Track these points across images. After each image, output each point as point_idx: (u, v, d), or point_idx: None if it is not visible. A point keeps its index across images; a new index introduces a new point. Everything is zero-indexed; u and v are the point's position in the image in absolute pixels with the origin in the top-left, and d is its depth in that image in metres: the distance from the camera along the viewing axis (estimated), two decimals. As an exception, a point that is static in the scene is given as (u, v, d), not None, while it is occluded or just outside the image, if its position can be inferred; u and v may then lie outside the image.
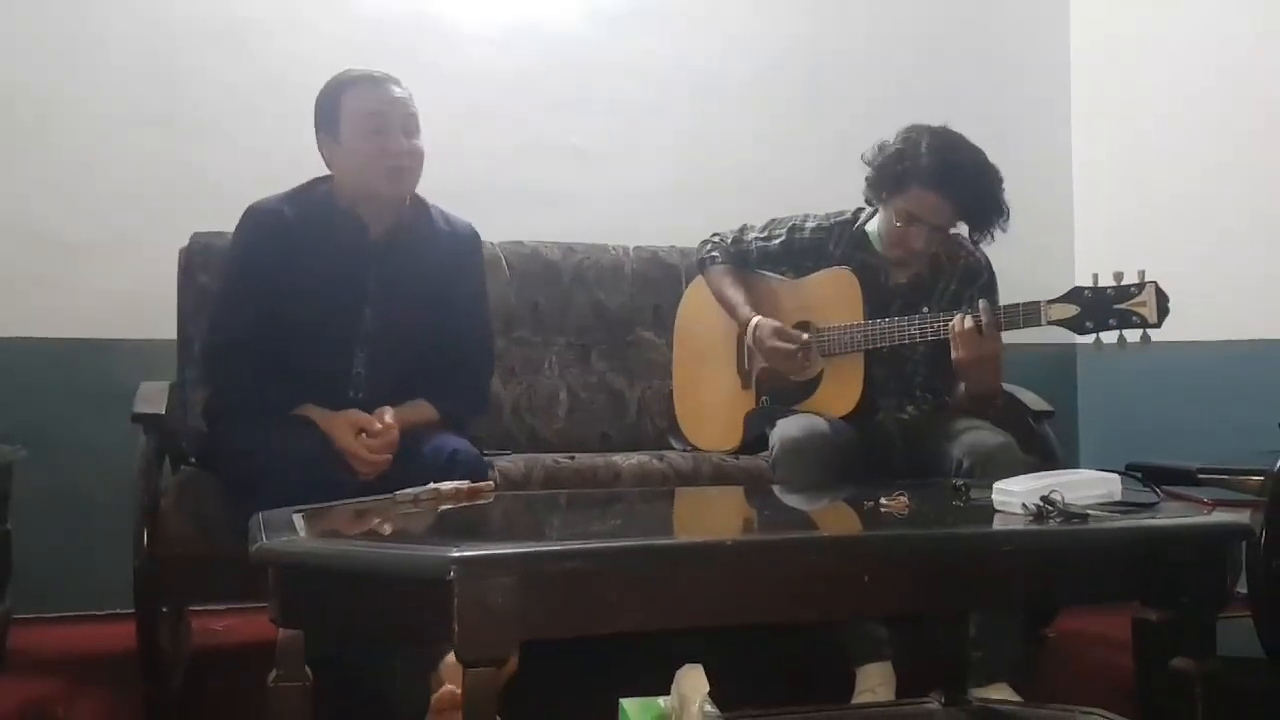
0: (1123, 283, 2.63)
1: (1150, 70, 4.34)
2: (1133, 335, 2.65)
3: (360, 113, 2.75)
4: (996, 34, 4.67)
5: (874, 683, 2.72)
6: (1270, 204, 3.87)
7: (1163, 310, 2.59)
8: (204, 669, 3.12)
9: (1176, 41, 4.23)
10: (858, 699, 2.70)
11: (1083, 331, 2.67)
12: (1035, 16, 4.72)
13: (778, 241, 3.19)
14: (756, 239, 3.23)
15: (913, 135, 2.94)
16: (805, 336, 3.04)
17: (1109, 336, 2.67)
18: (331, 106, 2.78)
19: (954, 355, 2.81)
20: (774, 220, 3.24)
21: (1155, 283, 2.60)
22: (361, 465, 2.60)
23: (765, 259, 3.23)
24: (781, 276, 3.23)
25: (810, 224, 3.16)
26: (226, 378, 2.78)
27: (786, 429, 2.90)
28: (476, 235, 3.03)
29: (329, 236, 2.78)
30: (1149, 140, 4.34)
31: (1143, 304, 2.60)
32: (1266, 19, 3.91)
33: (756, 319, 3.11)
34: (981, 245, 3.05)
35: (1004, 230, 2.98)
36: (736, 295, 3.21)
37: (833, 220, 3.14)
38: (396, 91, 2.80)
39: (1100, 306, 2.64)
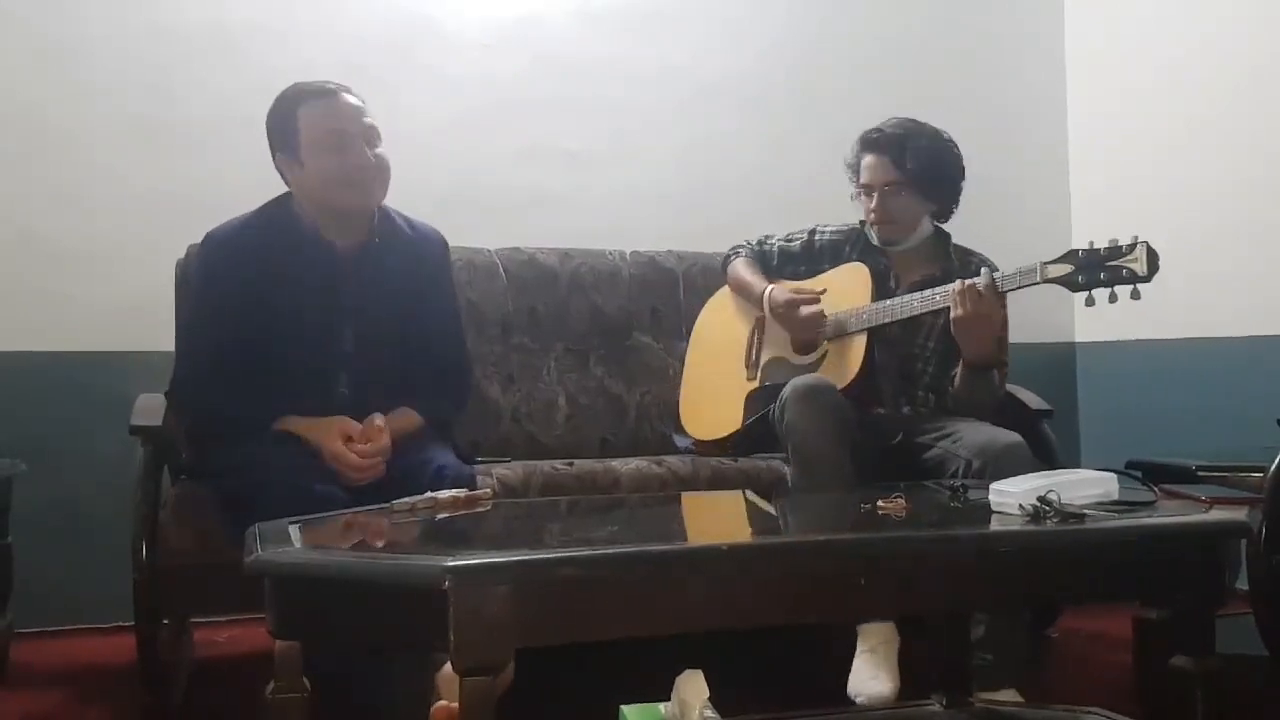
0: (1115, 244, 2.73)
1: (1146, 63, 4.33)
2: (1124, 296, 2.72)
3: (319, 130, 2.69)
4: (992, 28, 4.66)
5: (875, 641, 2.75)
6: (1268, 199, 3.86)
7: (1153, 266, 2.66)
8: (207, 680, 3.12)
9: (1173, 32, 4.22)
10: (859, 656, 2.74)
11: (1077, 288, 2.75)
12: (1031, 7, 4.71)
13: (798, 243, 3.35)
14: (778, 242, 3.39)
15: (892, 118, 3.19)
16: (821, 290, 3.16)
17: (1102, 295, 2.74)
18: (286, 125, 2.71)
19: (953, 315, 2.88)
20: (793, 231, 3.40)
21: (1147, 242, 2.68)
22: (352, 472, 2.55)
23: (785, 260, 3.36)
24: (798, 278, 3.32)
25: (829, 229, 3.32)
26: (201, 409, 2.74)
27: (798, 381, 2.94)
28: (443, 240, 2.98)
29: (297, 260, 2.72)
30: (1145, 137, 4.33)
31: (1134, 260, 2.68)
32: (1264, 7, 3.90)
33: (772, 286, 3.25)
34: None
35: (953, 195, 3.16)
36: (753, 276, 3.34)
37: (849, 227, 3.30)
38: (351, 101, 2.74)
39: (1094, 264, 2.73)
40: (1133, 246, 2.69)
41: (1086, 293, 2.74)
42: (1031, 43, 4.71)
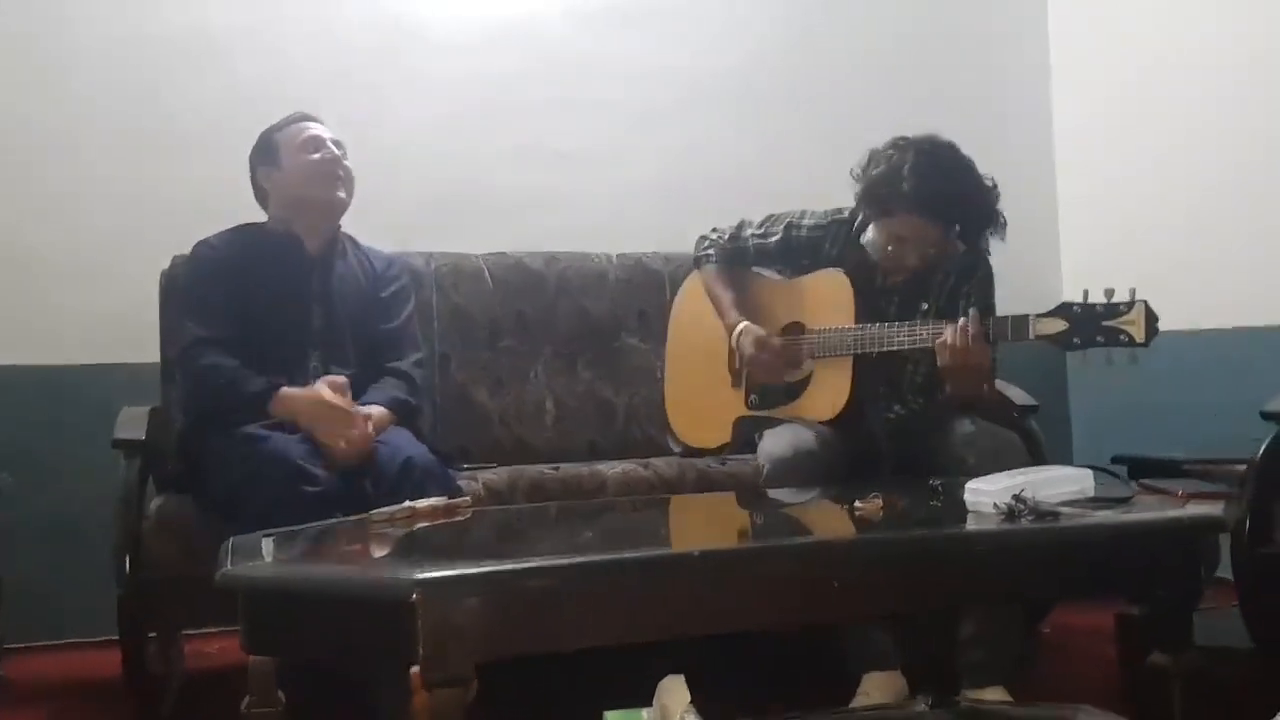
0: (1113, 300, 2.57)
1: (1131, 63, 4.32)
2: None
3: (297, 138, 3.05)
4: (980, 37, 4.62)
5: (873, 689, 2.70)
6: (1255, 191, 3.85)
7: (1151, 330, 2.53)
8: (196, 692, 3.11)
9: (1159, 26, 4.21)
10: (854, 702, 2.69)
11: (1070, 348, 2.65)
12: (1017, 19, 4.70)
13: (774, 240, 3.17)
14: (754, 236, 3.21)
15: (896, 157, 2.88)
16: (778, 341, 3.03)
17: (1096, 351, 2.63)
18: (269, 145, 3.07)
19: (939, 363, 2.78)
20: (771, 216, 3.21)
21: (1145, 302, 2.54)
22: (337, 442, 2.69)
23: (762, 256, 3.22)
24: (777, 274, 3.22)
25: (808, 221, 3.13)
26: (207, 368, 2.86)
27: (773, 448, 2.86)
28: (405, 263, 3.33)
29: (272, 256, 3.03)
30: (1132, 132, 4.31)
31: (1131, 322, 2.55)
32: (1244, 16, 3.90)
33: (742, 325, 3.10)
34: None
35: (1001, 239, 2.95)
36: (727, 296, 3.20)
37: (830, 219, 3.11)
38: (323, 125, 3.11)
39: (1088, 323, 2.60)
40: (1130, 305, 2.54)
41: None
42: (1017, 41, 4.68)
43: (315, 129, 3.05)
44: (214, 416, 2.80)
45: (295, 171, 3.02)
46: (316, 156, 3.01)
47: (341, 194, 3.04)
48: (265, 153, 3.07)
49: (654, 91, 4.29)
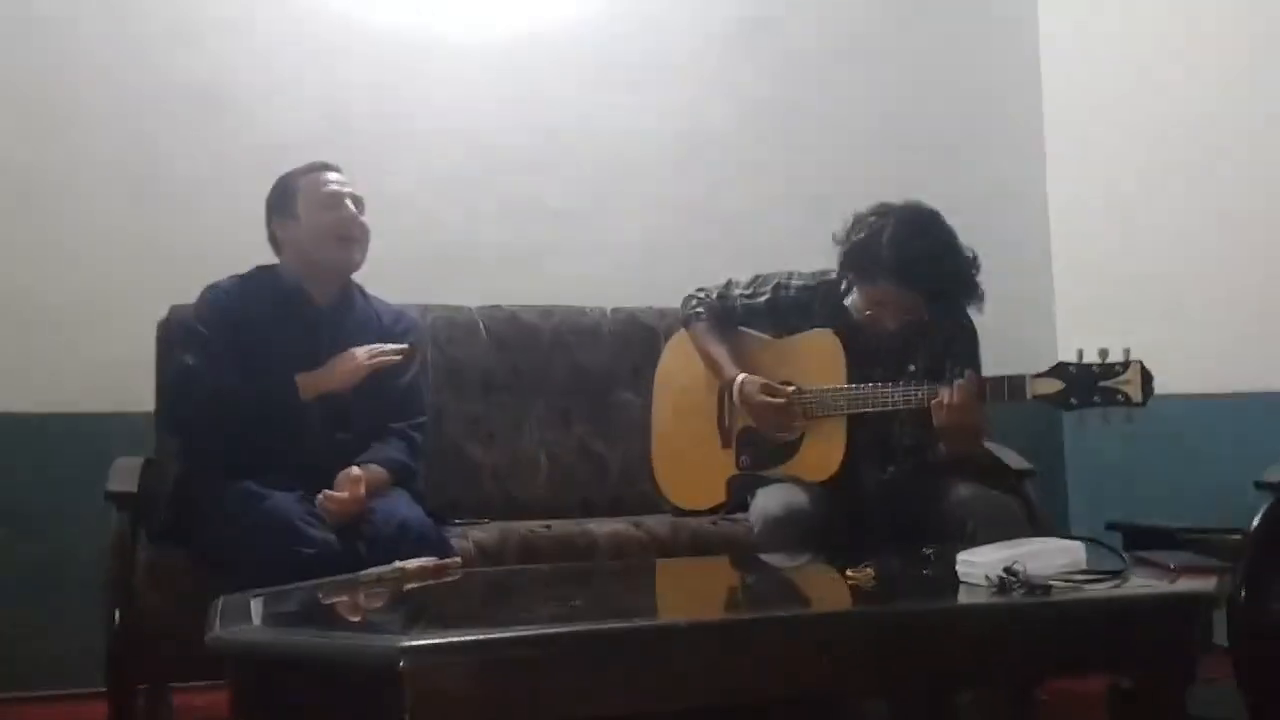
0: (1108, 360, 2.61)
1: (1125, 128, 4.32)
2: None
3: (317, 192, 2.99)
4: (973, 95, 4.64)
5: None
6: (1249, 256, 3.86)
7: (1148, 390, 2.57)
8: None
9: (1153, 93, 4.23)
10: None
11: (1068, 408, 2.66)
12: (1012, 79, 4.73)
13: (763, 300, 3.18)
14: (742, 296, 3.22)
15: (877, 223, 2.90)
16: (791, 389, 3.02)
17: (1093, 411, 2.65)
18: (287, 192, 3.02)
19: (935, 423, 2.79)
20: (759, 277, 3.23)
21: (1140, 362, 2.58)
22: (333, 505, 2.69)
23: (750, 316, 3.22)
24: (765, 334, 3.22)
25: (796, 282, 3.15)
26: (218, 390, 2.86)
27: (768, 506, 2.86)
28: (416, 320, 3.26)
29: (280, 307, 2.99)
30: (1125, 197, 4.32)
31: (1128, 382, 2.59)
32: (1237, 77, 3.93)
33: (741, 376, 3.09)
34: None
35: (979, 311, 2.97)
36: (721, 352, 3.19)
37: (818, 280, 3.12)
38: (343, 176, 3.06)
39: (1085, 383, 2.63)
40: (1126, 365, 2.59)
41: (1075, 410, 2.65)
42: (1012, 102, 4.69)
43: (334, 183, 3.00)
44: (224, 428, 2.82)
45: (311, 229, 2.96)
46: (333, 215, 2.96)
47: (356, 255, 3.00)
48: (282, 201, 3.01)
49: (647, 149, 4.30)
